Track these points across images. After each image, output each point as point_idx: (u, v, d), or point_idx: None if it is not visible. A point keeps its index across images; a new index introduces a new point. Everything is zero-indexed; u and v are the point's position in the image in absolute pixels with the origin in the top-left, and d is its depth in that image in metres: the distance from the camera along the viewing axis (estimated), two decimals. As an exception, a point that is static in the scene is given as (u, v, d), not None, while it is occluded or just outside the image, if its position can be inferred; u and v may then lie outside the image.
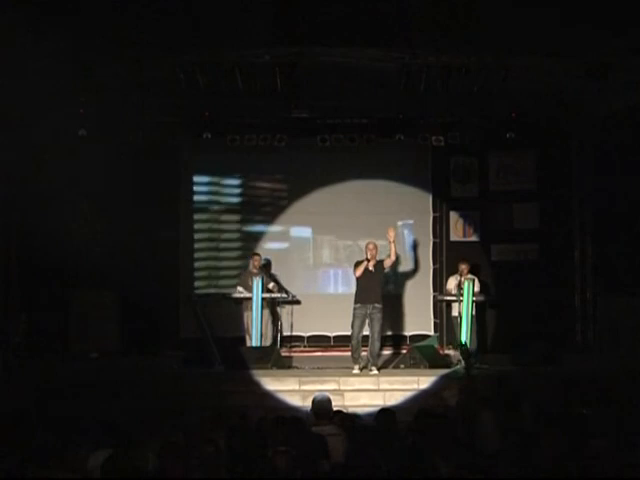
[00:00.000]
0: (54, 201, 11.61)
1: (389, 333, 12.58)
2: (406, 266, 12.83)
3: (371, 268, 10.71)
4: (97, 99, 11.04)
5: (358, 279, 10.76)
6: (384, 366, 11.15)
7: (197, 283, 13.02)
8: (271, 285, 11.80)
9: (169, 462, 4.66)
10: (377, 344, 10.70)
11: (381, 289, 10.86)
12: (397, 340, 12.76)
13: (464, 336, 11.11)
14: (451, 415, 6.69)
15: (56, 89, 10.33)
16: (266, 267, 12.44)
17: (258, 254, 12.18)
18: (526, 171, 12.96)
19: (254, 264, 11.97)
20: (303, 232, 13.24)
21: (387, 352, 12.27)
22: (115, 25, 8.77)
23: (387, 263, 10.84)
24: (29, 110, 10.72)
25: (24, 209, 11.27)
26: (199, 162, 13.07)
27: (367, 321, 10.69)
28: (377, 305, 10.68)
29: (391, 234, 10.71)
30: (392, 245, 10.70)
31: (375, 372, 10.51)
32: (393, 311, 12.67)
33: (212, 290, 12.94)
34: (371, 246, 10.80)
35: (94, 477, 4.85)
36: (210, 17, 8.76)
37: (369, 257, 10.72)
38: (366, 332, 10.77)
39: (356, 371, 10.56)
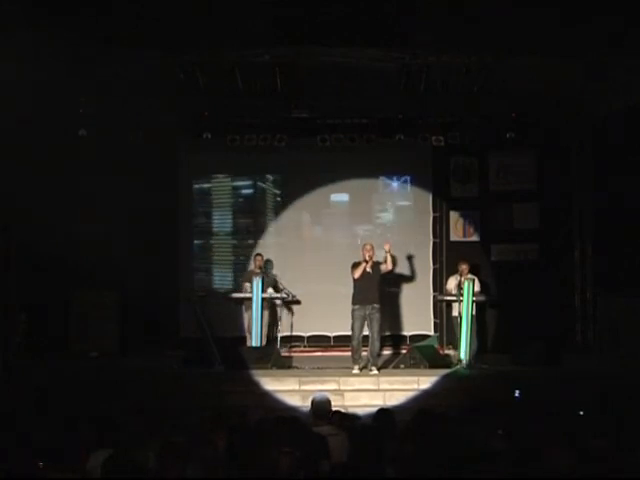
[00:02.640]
0: (54, 201, 11.59)
1: (389, 333, 12.59)
2: (406, 267, 12.84)
3: (369, 269, 10.74)
4: (97, 99, 11.05)
5: (356, 280, 10.77)
6: (384, 366, 11.15)
7: (197, 283, 13.01)
8: (271, 288, 11.81)
9: (169, 462, 4.65)
10: (377, 344, 10.73)
11: (379, 289, 10.90)
12: (397, 340, 12.75)
13: (464, 336, 11.11)
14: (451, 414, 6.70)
15: (56, 89, 10.32)
16: (268, 267, 12.43)
17: (260, 254, 12.18)
18: (526, 171, 12.95)
19: (256, 264, 11.97)
20: (303, 232, 13.24)
21: (387, 352, 12.27)
22: (115, 25, 8.77)
23: (383, 269, 10.90)
24: (29, 110, 10.71)
25: (24, 209, 11.24)
26: (199, 162, 13.06)
27: (366, 322, 10.71)
28: (375, 305, 10.71)
29: (387, 246, 10.83)
30: (388, 256, 10.80)
31: (375, 372, 10.52)
32: (393, 311, 12.69)
33: (212, 290, 12.94)
34: (368, 247, 10.84)
35: (94, 477, 4.84)
36: (210, 17, 8.76)
37: (367, 258, 10.75)
38: (365, 332, 10.79)
39: (356, 371, 10.57)
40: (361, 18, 8.98)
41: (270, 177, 13.20)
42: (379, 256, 11.01)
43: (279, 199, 13.19)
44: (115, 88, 10.55)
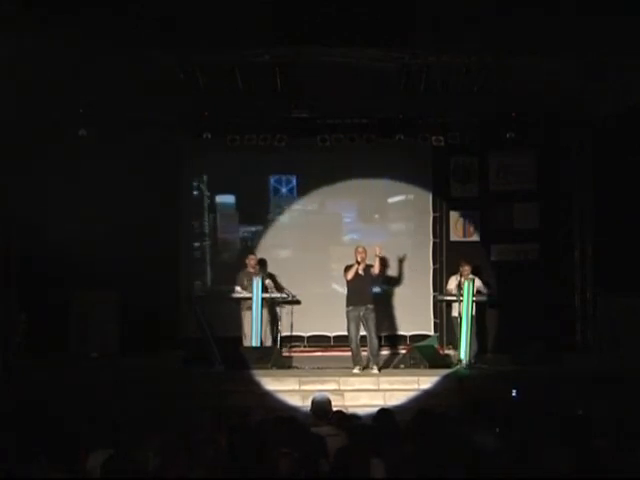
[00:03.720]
0: (54, 201, 11.61)
1: (389, 333, 12.61)
2: (406, 266, 12.86)
3: (361, 271, 10.83)
4: (97, 99, 11.05)
5: (349, 282, 10.88)
6: (384, 366, 11.15)
7: (197, 283, 13.01)
8: (267, 282, 11.79)
9: (169, 462, 4.65)
10: (375, 341, 10.79)
11: (372, 291, 11.03)
12: (397, 340, 12.77)
13: (464, 336, 11.11)
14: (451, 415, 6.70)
15: (56, 89, 10.33)
16: (263, 266, 12.42)
17: (253, 253, 12.18)
18: (526, 171, 12.96)
19: (250, 264, 11.96)
20: (303, 232, 13.23)
21: (387, 352, 12.29)
22: (115, 25, 8.77)
23: (373, 272, 10.99)
24: (29, 110, 10.72)
25: (24, 209, 11.26)
26: (199, 162, 13.06)
27: (362, 322, 10.77)
28: (369, 306, 10.82)
29: (377, 250, 10.94)
30: (377, 259, 10.91)
31: (376, 371, 10.53)
32: (393, 311, 12.70)
33: (212, 290, 12.94)
34: (360, 249, 10.97)
35: (94, 477, 4.84)
36: (210, 17, 8.76)
37: (359, 260, 10.85)
38: (362, 332, 10.83)
39: (357, 371, 10.58)
40: (361, 18, 8.97)
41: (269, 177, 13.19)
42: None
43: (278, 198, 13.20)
44: (115, 88, 10.55)
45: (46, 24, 8.47)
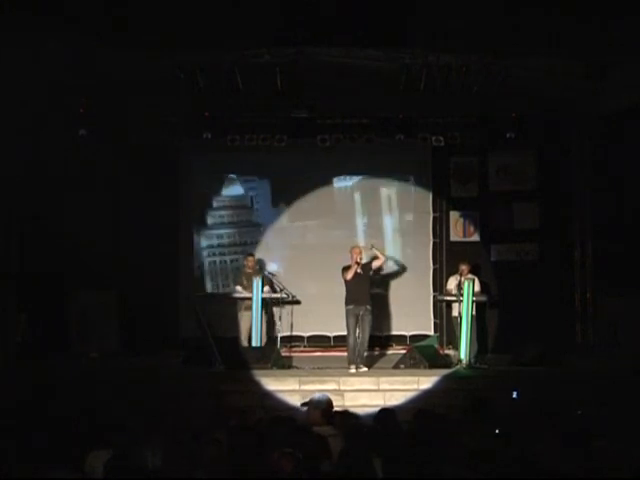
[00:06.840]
0: (54, 201, 11.61)
1: (389, 333, 12.61)
2: (405, 266, 12.87)
3: (359, 271, 10.95)
4: (97, 99, 11.06)
5: (348, 282, 10.97)
6: (384, 366, 11.15)
7: (197, 283, 13.01)
8: (267, 287, 11.80)
9: (170, 462, 4.65)
10: (366, 345, 10.94)
11: (370, 291, 11.12)
12: (397, 340, 12.77)
13: (464, 336, 11.11)
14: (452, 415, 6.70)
15: (56, 89, 10.33)
16: (261, 267, 12.42)
17: (252, 254, 12.18)
18: (526, 171, 12.95)
19: (248, 265, 11.97)
20: (302, 232, 13.23)
21: (387, 352, 12.30)
22: (115, 25, 8.78)
23: (376, 264, 11.24)
24: (29, 109, 10.72)
25: (24, 209, 11.27)
26: (199, 162, 13.06)
27: (358, 322, 10.85)
28: (368, 307, 10.95)
29: (370, 245, 11.29)
30: (375, 251, 11.24)
31: (364, 369, 10.68)
32: (393, 311, 12.70)
33: (212, 290, 12.93)
34: (357, 250, 11.11)
35: (94, 477, 4.84)
36: (210, 17, 8.77)
37: (357, 260, 10.95)
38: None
39: (353, 370, 10.61)
40: (361, 18, 8.98)
41: (270, 177, 13.20)
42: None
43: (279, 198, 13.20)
44: (115, 88, 10.56)
45: (47, 24, 8.48)
